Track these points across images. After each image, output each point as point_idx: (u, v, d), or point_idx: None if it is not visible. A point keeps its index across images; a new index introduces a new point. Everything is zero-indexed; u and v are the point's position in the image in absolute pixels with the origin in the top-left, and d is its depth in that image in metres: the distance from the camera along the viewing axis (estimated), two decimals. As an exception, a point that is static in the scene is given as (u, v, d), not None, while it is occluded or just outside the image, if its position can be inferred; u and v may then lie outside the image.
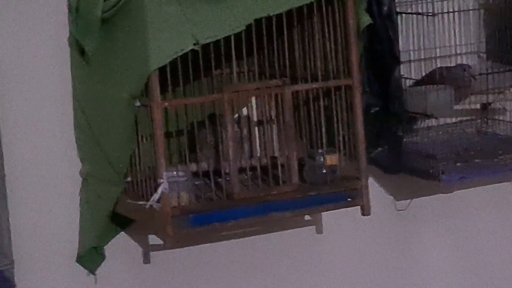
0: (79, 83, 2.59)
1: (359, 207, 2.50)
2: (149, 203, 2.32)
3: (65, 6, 2.54)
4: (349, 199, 2.48)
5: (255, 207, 2.39)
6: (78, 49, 2.53)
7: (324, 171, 2.45)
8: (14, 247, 2.42)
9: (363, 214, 2.49)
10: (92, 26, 2.45)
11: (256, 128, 2.71)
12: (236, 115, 2.56)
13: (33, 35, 2.56)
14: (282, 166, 2.43)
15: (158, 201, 2.32)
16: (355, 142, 2.47)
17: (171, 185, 2.32)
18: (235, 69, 2.41)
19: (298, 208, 2.43)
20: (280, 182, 2.41)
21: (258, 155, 2.67)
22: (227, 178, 2.41)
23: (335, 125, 2.49)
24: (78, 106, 2.59)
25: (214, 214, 2.36)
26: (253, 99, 2.68)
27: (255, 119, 2.70)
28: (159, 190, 2.31)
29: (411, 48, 2.77)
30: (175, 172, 2.34)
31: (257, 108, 2.68)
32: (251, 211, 2.39)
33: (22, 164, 2.54)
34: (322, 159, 2.45)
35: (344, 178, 2.47)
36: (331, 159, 2.45)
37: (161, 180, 2.31)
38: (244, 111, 2.65)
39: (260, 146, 2.71)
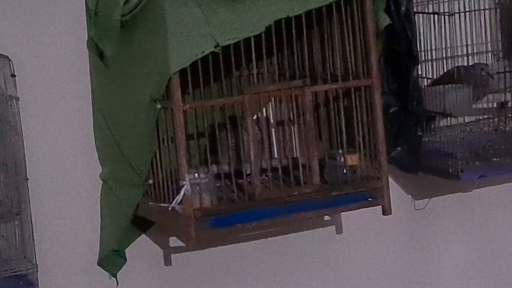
0: (99, 87, 2.60)
1: (378, 206, 2.51)
2: (171, 205, 2.33)
3: (84, 10, 2.56)
4: (370, 199, 2.48)
5: (277, 208, 2.39)
6: (97, 53, 2.54)
7: (345, 171, 2.45)
8: (36, 251, 2.42)
9: (384, 214, 2.50)
10: (111, 29, 2.46)
11: (274, 129, 2.73)
12: (255, 116, 2.56)
13: (52, 39, 2.57)
14: (303, 166, 2.44)
15: (180, 203, 2.33)
16: (375, 142, 2.48)
17: (193, 187, 2.32)
18: (255, 70, 2.42)
19: (320, 208, 2.44)
20: (301, 182, 2.42)
21: (276, 156, 2.69)
22: (248, 180, 2.42)
23: (355, 125, 2.50)
24: (98, 109, 2.60)
25: (236, 215, 2.37)
26: (272, 100, 2.70)
27: (273, 120, 2.73)
28: (181, 192, 2.31)
29: (429, 47, 2.78)
30: (196, 174, 2.35)
31: (276, 109, 2.69)
32: (273, 211, 2.39)
33: (43, 168, 2.55)
34: (343, 160, 2.45)
35: (365, 178, 2.48)
36: (352, 159, 2.46)
37: (183, 182, 2.32)
38: (264, 112, 2.67)
39: (278, 147, 2.73)
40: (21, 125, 2.38)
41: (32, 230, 2.38)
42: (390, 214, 2.50)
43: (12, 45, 2.47)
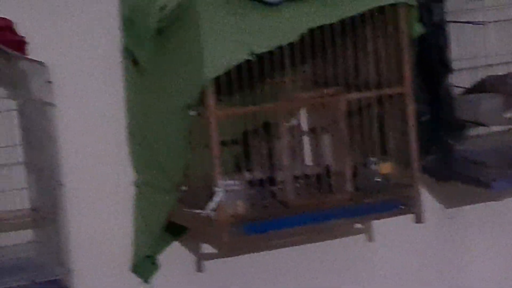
0: (133, 93, 2.62)
1: (409, 215, 2.51)
2: (205, 211, 2.35)
3: (119, 17, 2.58)
4: (402, 207, 2.48)
5: (310, 215, 2.40)
6: (131, 60, 2.57)
7: (377, 179, 2.46)
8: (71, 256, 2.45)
9: (416, 222, 2.49)
10: (146, 37, 2.48)
11: (306, 136, 2.74)
12: (288, 124, 2.57)
13: (87, 46, 2.60)
14: (335, 174, 2.45)
15: (214, 209, 2.34)
16: (408, 150, 2.48)
17: (227, 193, 2.34)
18: (289, 77, 2.43)
19: (352, 216, 2.45)
20: (334, 190, 2.43)
21: (308, 163, 2.70)
22: (281, 187, 2.43)
23: (388, 133, 2.50)
24: (132, 116, 2.63)
25: (269, 222, 2.38)
26: (304, 108, 2.72)
27: (305, 127, 2.74)
28: (215, 198, 2.33)
29: (462, 56, 2.78)
30: (230, 181, 2.37)
31: (308, 116, 2.70)
32: (306, 218, 2.40)
33: (78, 174, 2.58)
34: (376, 167, 2.46)
35: (397, 186, 2.48)
36: (385, 167, 2.46)
37: (217, 189, 2.33)
38: (296, 119, 2.68)
39: (310, 154, 2.73)
40: (56, 131, 2.40)
41: (68, 236, 2.40)
42: (423, 222, 2.49)
43: (49, 51, 2.50)
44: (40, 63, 2.38)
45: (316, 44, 2.42)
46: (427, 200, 2.88)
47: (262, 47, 2.32)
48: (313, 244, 2.83)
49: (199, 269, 2.74)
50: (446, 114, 2.72)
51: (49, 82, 2.38)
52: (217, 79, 2.32)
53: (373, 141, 2.50)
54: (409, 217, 2.51)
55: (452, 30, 2.73)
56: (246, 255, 2.76)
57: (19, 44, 2.39)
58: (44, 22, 2.54)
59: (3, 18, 2.40)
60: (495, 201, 2.99)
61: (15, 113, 2.46)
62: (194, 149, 2.45)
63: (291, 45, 2.37)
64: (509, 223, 3.05)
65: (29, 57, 2.41)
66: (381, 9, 2.44)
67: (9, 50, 2.32)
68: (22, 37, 2.42)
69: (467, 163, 2.76)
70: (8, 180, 2.47)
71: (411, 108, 2.47)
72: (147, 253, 2.64)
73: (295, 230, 2.42)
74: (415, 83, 2.64)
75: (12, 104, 2.47)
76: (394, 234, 2.90)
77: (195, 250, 2.73)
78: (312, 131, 2.71)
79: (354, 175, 2.46)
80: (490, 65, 2.82)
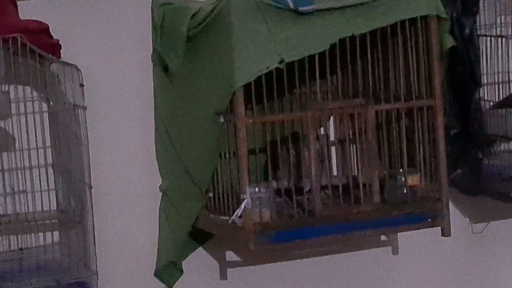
0: (162, 100, 2.63)
1: (435, 228, 2.50)
2: (231, 218, 2.35)
3: (150, 23, 2.60)
4: (429, 220, 2.48)
5: (336, 225, 2.40)
6: (162, 66, 2.58)
7: (405, 191, 2.45)
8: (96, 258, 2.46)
9: (443, 235, 2.48)
10: (177, 43, 2.50)
11: (334, 146, 2.74)
12: (316, 133, 2.57)
13: (118, 51, 2.62)
14: (363, 185, 2.44)
15: (240, 216, 2.34)
16: (436, 163, 2.47)
17: (253, 201, 2.34)
18: (318, 87, 2.43)
19: (379, 227, 2.44)
20: (361, 201, 2.43)
21: (335, 174, 2.70)
22: (307, 196, 2.43)
23: (416, 145, 2.49)
24: (161, 121, 2.63)
25: (296, 231, 2.37)
26: (332, 118, 2.72)
27: (333, 137, 2.74)
28: (242, 205, 2.33)
29: (492, 70, 2.77)
30: (257, 189, 2.37)
31: (336, 126, 2.70)
32: (332, 229, 2.40)
33: (105, 177, 2.59)
34: (404, 179, 2.45)
35: (425, 199, 2.47)
36: (413, 180, 2.45)
37: (244, 196, 2.33)
38: (322, 129, 2.68)
39: (338, 165, 2.73)
40: (87, 134, 2.42)
41: (94, 238, 2.41)
42: (449, 235, 2.48)
43: (82, 55, 2.52)
44: (73, 66, 2.40)
45: (347, 54, 2.42)
46: (454, 214, 2.86)
47: (292, 56, 2.32)
48: (338, 255, 2.82)
49: (223, 276, 2.74)
50: (475, 129, 2.72)
51: (81, 85, 2.40)
52: (247, 87, 2.32)
53: (401, 153, 2.50)
54: (436, 230, 2.50)
55: (482, 44, 2.73)
56: (270, 264, 2.76)
57: (54, 47, 2.41)
58: (77, 27, 2.57)
59: (40, 21, 2.42)
60: (523, 216, 2.98)
61: (46, 115, 2.49)
62: (222, 156, 2.47)
63: (321, 54, 2.37)
64: (536, 239, 3.04)
65: (63, 60, 2.44)
66: (412, 21, 2.44)
67: (45, 53, 2.34)
68: (57, 40, 2.45)
69: (495, 178, 2.76)
70: (37, 182, 2.48)
71: (440, 121, 2.46)
72: (172, 258, 2.64)
73: (321, 240, 2.42)
74: (444, 96, 2.65)
75: (44, 106, 2.49)
76: (420, 247, 2.89)
77: (219, 257, 2.73)
78: (340, 141, 2.73)
79: (381, 186, 2.46)
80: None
